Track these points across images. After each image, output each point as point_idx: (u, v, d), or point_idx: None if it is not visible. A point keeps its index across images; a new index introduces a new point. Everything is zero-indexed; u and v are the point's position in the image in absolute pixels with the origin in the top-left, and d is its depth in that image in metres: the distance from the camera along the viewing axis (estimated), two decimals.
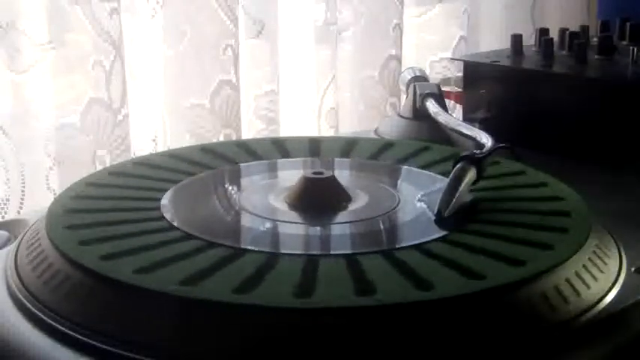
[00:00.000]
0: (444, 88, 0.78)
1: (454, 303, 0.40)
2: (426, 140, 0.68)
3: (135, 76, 0.84)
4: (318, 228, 0.52)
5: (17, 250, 0.48)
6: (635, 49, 0.73)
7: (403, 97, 0.86)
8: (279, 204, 0.53)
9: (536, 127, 0.73)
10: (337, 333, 0.38)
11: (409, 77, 0.79)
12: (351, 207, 0.52)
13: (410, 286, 0.41)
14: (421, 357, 0.38)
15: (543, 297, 0.41)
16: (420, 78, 0.79)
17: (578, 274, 0.44)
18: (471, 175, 0.53)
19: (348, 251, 0.47)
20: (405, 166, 0.60)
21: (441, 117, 0.70)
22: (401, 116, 0.76)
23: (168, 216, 0.50)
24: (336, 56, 0.98)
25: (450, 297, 0.40)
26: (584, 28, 0.81)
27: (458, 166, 0.53)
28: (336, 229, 0.52)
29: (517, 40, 0.80)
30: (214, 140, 0.86)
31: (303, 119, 0.99)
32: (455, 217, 0.50)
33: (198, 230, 0.47)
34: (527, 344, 0.40)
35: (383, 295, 0.40)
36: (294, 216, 0.52)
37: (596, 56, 0.76)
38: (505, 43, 0.85)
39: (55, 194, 0.77)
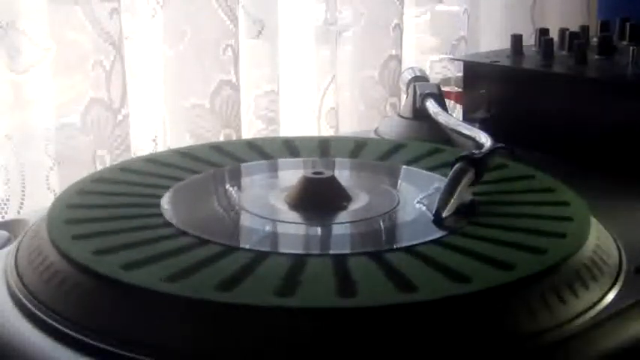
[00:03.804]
0: (444, 88, 0.78)
1: (436, 306, 0.40)
2: (425, 140, 0.68)
3: (135, 76, 0.85)
4: (313, 228, 0.52)
5: (17, 250, 0.48)
6: (635, 49, 0.73)
7: (403, 97, 0.86)
8: (278, 203, 0.53)
9: (535, 127, 0.73)
10: (314, 333, 0.38)
11: (409, 77, 0.79)
12: (350, 207, 0.52)
13: (393, 289, 0.41)
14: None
15: (543, 297, 0.41)
16: (420, 78, 0.79)
17: (578, 274, 0.44)
18: (470, 175, 0.53)
19: (338, 252, 0.47)
20: (405, 166, 0.60)
21: (441, 117, 0.70)
22: (401, 116, 0.76)
23: (165, 213, 0.50)
24: (336, 56, 0.98)
25: (431, 300, 0.40)
26: (584, 28, 0.81)
27: (456, 166, 0.53)
28: (331, 230, 0.52)
29: (517, 40, 0.80)
30: (214, 140, 0.86)
31: (303, 119, 0.99)
32: (453, 218, 0.50)
33: (192, 228, 0.48)
34: (526, 345, 0.40)
35: (364, 296, 0.40)
36: (290, 215, 0.52)
37: (596, 56, 0.76)
38: (505, 43, 0.85)
39: (55, 194, 0.77)
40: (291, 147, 0.64)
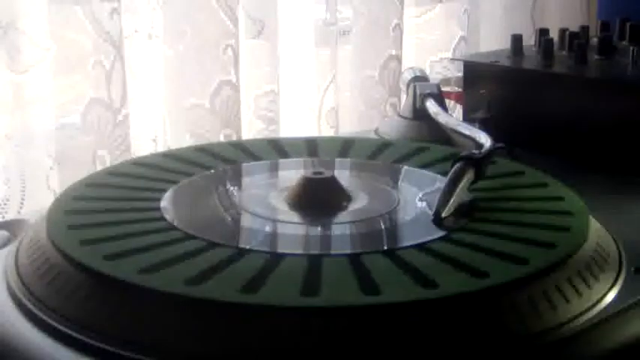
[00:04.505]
0: (444, 88, 0.78)
1: (459, 301, 0.40)
2: (426, 140, 0.68)
3: (135, 76, 0.85)
4: (320, 228, 0.52)
5: (18, 250, 0.48)
6: (635, 49, 0.73)
7: (403, 97, 0.86)
8: (280, 204, 0.53)
9: (536, 127, 0.73)
10: (343, 332, 0.38)
11: (409, 77, 0.79)
12: (351, 207, 0.52)
13: (414, 285, 0.41)
14: (427, 356, 0.39)
15: (543, 296, 0.41)
16: (420, 78, 0.79)
17: (578, 274, 0.44)
18: (470, 175, 0.53)
19: (351, 251, 0.47)
20: (405, 166, 0.60)
21: (441, 117, 0.70)
22: (401, 116, 0.76)
23: (168, 216, 0.50)
24: (336, 56, 0.98)
25: (454, 295, 0.40)
26: (584, 28, 0.81)
27: (456, 166, 0.53)
28: (338, 229, 0.52)
29: (517, 40, 0.80)
30: (214, 140, 0.86)
31: (303, 119, 0.99)
32: (453, 218, 0.50)
33: (199, 231, 0.47)
34: (526, 343, 0.40)
35: (389, 294, 0.40)
36: (294, 216, 0.52)
37: (596, 56, 0.76)
38: (505, 43, 0.85)
39: (55, 194, 0.77)
40: (278, 147, 0.64)
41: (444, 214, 0.50)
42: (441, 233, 0.48)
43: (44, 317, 0.42)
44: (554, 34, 0.80)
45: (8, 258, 0.48)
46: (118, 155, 0.81)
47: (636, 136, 0.66)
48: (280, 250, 0.47)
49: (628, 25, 0.82)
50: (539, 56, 0.78)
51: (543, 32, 0.81)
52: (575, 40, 0.77)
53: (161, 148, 0.86)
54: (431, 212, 0.50)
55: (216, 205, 0.55)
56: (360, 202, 0.53)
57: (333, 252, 0.48)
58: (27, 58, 0.76)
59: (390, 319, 0.39)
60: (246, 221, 0.52)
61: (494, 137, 0.60)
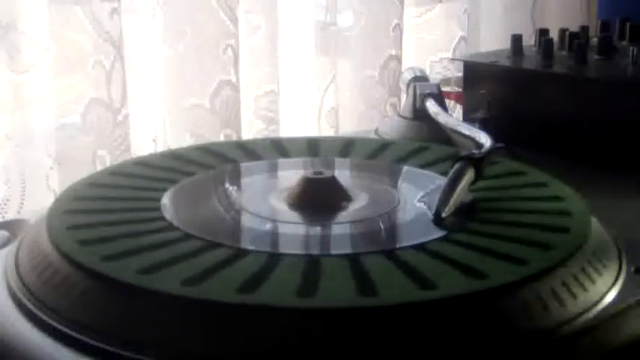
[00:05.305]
0: (444, 88, 0.78)
1: (457, 302, 0.40)
2: (426, 140, 0.68)
3: (135, 76, 0.85)
4: (320, 228, 0.52)
5: (18, 250, 0.48)
6: (635, 49, 0.73)
7: (403, 97, 0.87)
8: (280, 204, 0.53)
9: (536, 127, 0.73)
10: (340, 333, 0.38)
11: (409, 77, 0.79)
12: (352, 207, 0.52)
13: (412, 286, 0.41)
14: (423, 357, 0.38)
15: (543, 297, 0.41)
16: (420, 78, 0.79)
17: (578, 274, 0.44)
18: (470, 175, 0.53)
19: (350, 251, 0.47)
20: (405, 166, 0.60)
21: (441, 117, 0.70)
22: (401, 116, 0.76)
23: (168, 216, 0.50)
24: (336, 56, 0.98)
25: (453, 296, 0.40)
26: (584, 28, 0.81)
27: (456, 166, 0.53)
28: (337, 229, 0.52)
29: (517, 40, 0.80)
30: (214, 140, 0.86)
31: (303, 119, 0.99)
32: (453, 218, 0.50)
33: (198, 231, 0.47)
34: (526, 343, 0.40)
35: (386, 295, 0.40)
36: (294, 216, 0.52)
37: (596, 56, 0.76)
38: (505, 43, 0.85)
39: (55, 194, 0.77)
40: (280, 147, 0.64)
41: (444, 214, 0.50)
42: (440, 233, 0.48)
43: (44, 317, 0.42)
44: (554, 34, 0.80)
45: (8, 258, 0.48)
46: (118, 155, 0.81)
47: (636, 135, 0.66)
48: (279, 250, 0.47)
49: (628, 25, 0.82)
50: (539, 56, 0.78)
51: (543, 32, 0.81)
52: (575, 40, 0.77)
53: (161, 148, 0.86)
54: (431, 212, 0.50)
55: (216, 205, 0.55)
56: (360, 202, 0.53)
57: (331, 252, 0.48)
58: (27, 58, 0.76)
59: (387, 320, 0.39)
60: (246, 221, 0.52)
61: (494, 137, 0.60)
